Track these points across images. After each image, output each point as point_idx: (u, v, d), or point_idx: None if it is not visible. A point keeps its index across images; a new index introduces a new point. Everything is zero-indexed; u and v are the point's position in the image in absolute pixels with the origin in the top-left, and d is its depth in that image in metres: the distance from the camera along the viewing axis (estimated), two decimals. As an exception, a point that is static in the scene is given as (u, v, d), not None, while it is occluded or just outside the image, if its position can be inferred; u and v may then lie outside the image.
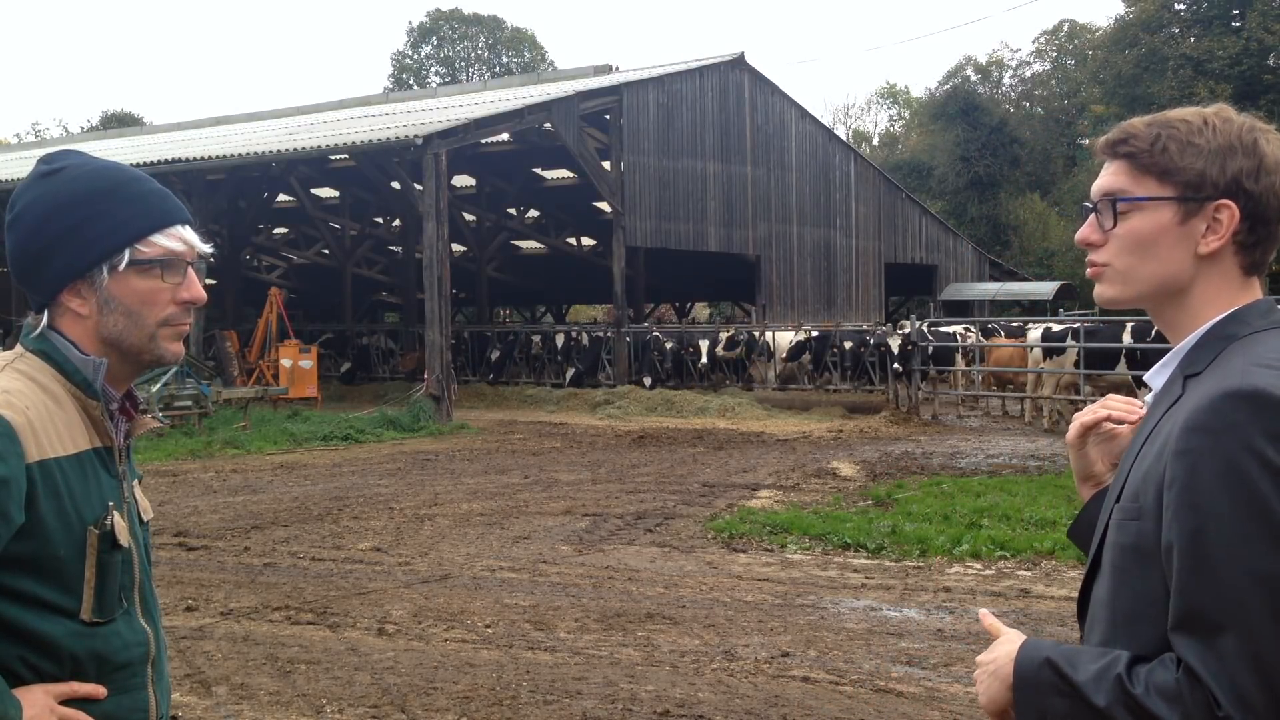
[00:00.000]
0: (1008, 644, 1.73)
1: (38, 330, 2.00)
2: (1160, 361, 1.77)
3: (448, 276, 23.39)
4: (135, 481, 2.11)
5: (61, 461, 1.90)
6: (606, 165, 28.16)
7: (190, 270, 2.06)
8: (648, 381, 26.27)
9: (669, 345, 26.92)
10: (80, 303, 1.99)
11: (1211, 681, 1.46)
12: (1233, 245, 1.68)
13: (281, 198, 35.12)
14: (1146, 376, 1.80)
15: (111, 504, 1.97)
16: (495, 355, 29.22)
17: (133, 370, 2.08)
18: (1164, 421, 1.64)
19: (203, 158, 25.94)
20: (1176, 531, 1.53)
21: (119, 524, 1.97)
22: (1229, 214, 1.65)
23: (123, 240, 1.98)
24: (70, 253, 1.97)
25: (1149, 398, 1.77)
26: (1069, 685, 1.58)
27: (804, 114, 33.98)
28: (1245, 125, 1.69)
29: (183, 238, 2.05)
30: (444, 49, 72.61)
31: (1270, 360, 1.58)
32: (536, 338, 29.61)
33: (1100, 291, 1.78)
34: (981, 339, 25.81)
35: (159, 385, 18.69)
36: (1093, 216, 1.76)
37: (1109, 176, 1.74)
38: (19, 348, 2.01)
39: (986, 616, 1.87)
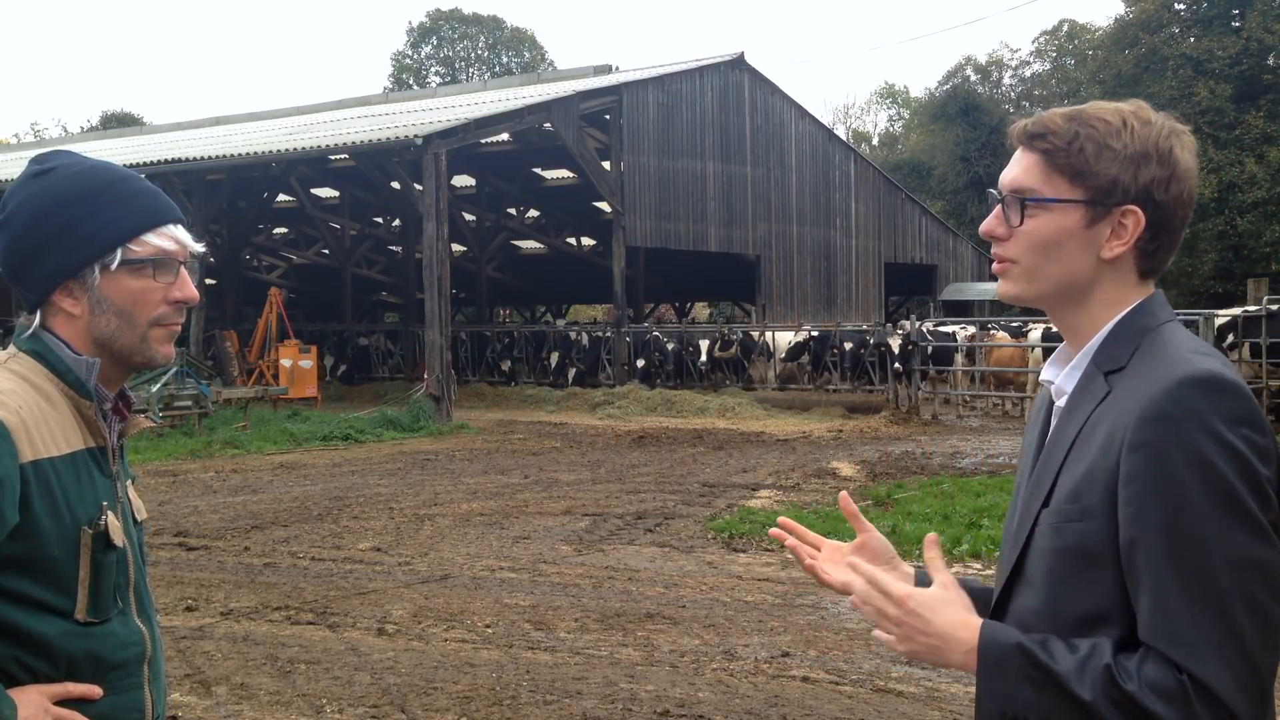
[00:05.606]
0: (953, 609, 1.63)
1: (30, 330, 2.00)
2: (1057, 361, 1.73)
3: (448, 276, 23.38)
4: (129, 482, 2.11)
5: (55, 461, 1.90)
6: (606, 165, 28.14)
7: (183, 269, 2.06)
8: (640, 363, 26.22)
9: (670, 345, 26.91)
10: (72, 303, 1.99)
11: (1205, 675, 1.44)
12: (1134, 250, 1.66)
13: (281, 198, 35.10)
14: (1048, 377, 1.74)
15: (105, 504, 1.97)
16: (508, 366, 29.38)
17: (124, 371, 2.08)
18: (1096, 419, 1.60)
19: (202, 158, 25.93)
20: (1144, 526, 1.49)
21: (113, 524, 1.97)
22: (1135, 220, 1.64)
23: (114, 239, 1.98)
24: (62, 252, 1.97)
25: (1061, 402, 1.70)
26: (1045, 674, 1.51)
27: (804, 114, 33.97)
28: (1164, 130, 1.66)
29: (175, 236, 2.05)
30: (444, 49, 72.61)
31: (1199, 348, 1.58)
32: (544, 331, 29.75)
33: (1003, 288, 1.74)
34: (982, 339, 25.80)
35: (159, 385, 18.68)
36: (999, 209, 1.71)
37: (1020, 170, 1.70)
38: (12, 348, 2.01)
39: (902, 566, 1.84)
